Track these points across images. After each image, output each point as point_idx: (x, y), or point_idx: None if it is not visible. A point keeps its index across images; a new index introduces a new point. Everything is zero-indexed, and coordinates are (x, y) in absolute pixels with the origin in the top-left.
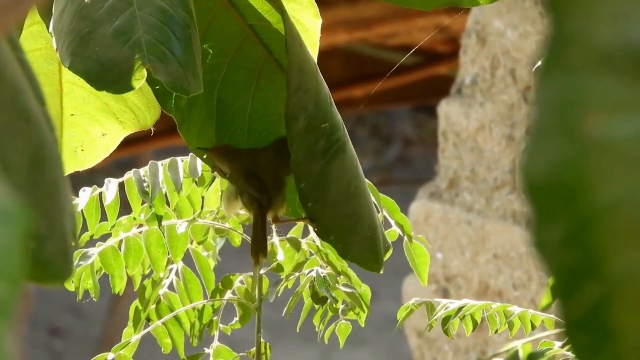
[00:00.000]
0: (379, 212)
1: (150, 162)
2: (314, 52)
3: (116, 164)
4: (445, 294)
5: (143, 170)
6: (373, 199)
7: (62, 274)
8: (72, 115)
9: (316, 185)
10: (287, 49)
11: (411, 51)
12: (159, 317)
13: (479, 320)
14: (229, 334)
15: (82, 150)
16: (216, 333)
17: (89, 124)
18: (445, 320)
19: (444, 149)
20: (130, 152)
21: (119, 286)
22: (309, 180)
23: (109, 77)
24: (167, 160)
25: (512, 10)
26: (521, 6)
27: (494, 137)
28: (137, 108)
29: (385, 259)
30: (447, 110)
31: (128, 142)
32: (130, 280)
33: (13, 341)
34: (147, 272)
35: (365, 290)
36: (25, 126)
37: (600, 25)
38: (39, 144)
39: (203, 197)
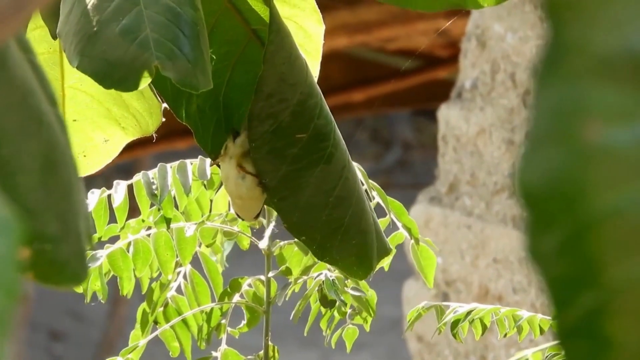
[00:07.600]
0: (386, 214)
1: (159, 164)
2: (316, 58)
3: (116, 169)
4: (445, 298)
5: (152, 173)
6: (380, 200)
7: (77, 276)
8: (75, 120)
9: (283, 185)
10: (264, 58)
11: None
12: (167, 320)
13: (488, 324)
14: (237, 337)
15: (85, 156)
16: (224, 336)
17: (92, 129)
18: (454, 324)
19: (444, 153)
20: (130, 157)
21: (127, 288)
22: (273, 179)
23: (116, 76)
24: (176, 162)
25: (512, 14)
26: (521, 10)
27: (494, 141)
28: (139, 114)
29: (385, 263)
30: (447, 114)
31: (127, 146)
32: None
33: (11, 351)
34: (155, 275)
35: (372, 294)
36: (37, 128)
37: (600, 32)
38: (51, 146)
39: (212, 200)
